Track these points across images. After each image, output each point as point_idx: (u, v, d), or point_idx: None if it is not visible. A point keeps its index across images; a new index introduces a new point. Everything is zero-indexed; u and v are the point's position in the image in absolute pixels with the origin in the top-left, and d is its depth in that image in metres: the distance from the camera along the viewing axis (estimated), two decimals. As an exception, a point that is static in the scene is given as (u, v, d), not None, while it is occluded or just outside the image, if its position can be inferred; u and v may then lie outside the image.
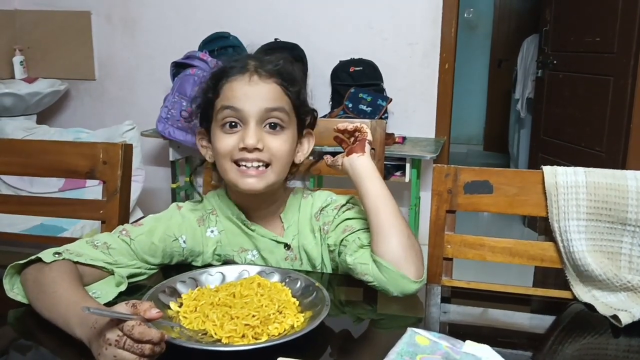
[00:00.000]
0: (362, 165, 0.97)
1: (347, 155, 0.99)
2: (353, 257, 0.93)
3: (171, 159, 2.95)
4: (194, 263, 1.02)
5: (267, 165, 0.94)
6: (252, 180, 0.93)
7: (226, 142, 0.94)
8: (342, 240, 0.98)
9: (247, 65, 0.94)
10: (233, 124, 0.93)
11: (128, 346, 0.64)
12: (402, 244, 0.90)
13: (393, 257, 0.89)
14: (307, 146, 1.04)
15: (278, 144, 0.94)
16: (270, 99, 0.93)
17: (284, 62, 0.97)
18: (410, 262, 0.89)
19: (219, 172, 0.99)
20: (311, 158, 1.06)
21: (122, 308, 0.67)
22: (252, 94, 0.92)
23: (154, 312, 0.68)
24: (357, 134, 1.01)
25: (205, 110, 0.98)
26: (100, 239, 0.94)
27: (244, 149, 0.92)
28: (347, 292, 0.97)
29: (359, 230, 0.98)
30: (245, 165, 0.93)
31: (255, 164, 0.93)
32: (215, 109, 0.95)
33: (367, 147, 0.99)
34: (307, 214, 1.05)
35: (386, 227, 0.91)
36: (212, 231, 1.02)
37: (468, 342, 0.72)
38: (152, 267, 0.98)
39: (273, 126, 0.94)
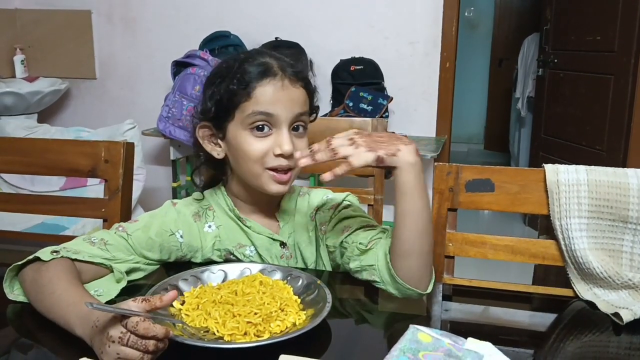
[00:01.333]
0: (406, 181, 0.87)
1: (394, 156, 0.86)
2: (357, 262, 0.94)
3: (172, 157, 2.94)
4: (193, 260, 1.02)
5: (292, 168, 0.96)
6: (283, 186, 0.95)
7: (257, 146, 0.93)
8: (341, 242, 0.98)
9: (272, 67, 0.94)
10: (261, 126, 0.93)
11: (132, 343, 0.64)
12: (420, 266, 0.90)
13: (410, 278, 0.89)
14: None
15: (303, 146, 0.96)
16: (299, 104, 0.95)
17: (306, 67, 0.98)
18: (424, 281, 0.91)
19: (242, 174, 0.98)
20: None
21: (127, 305, 0.67)
22: (285, 99, 0.93)
23: (170, 294, 0.72)
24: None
25: (224, 109, 0.95)
26: (97, 236, 0.94)
27: (281, 155, 0.93)
28: (348, 290, 0.97)
29: (357, 229, 0.98)
30: (277, 171, 0.94)
31: (287, 169, 0.95)
32: (244, 112, 0.93)
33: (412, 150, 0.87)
34: (304, 213, 1.05)
35: (408, 248, 0.89)
36: (209, 226, 1.02)
37: (470, 339, 0.72)
38: (150, 262, 0.98)
39: (296, 128, 0.96)
